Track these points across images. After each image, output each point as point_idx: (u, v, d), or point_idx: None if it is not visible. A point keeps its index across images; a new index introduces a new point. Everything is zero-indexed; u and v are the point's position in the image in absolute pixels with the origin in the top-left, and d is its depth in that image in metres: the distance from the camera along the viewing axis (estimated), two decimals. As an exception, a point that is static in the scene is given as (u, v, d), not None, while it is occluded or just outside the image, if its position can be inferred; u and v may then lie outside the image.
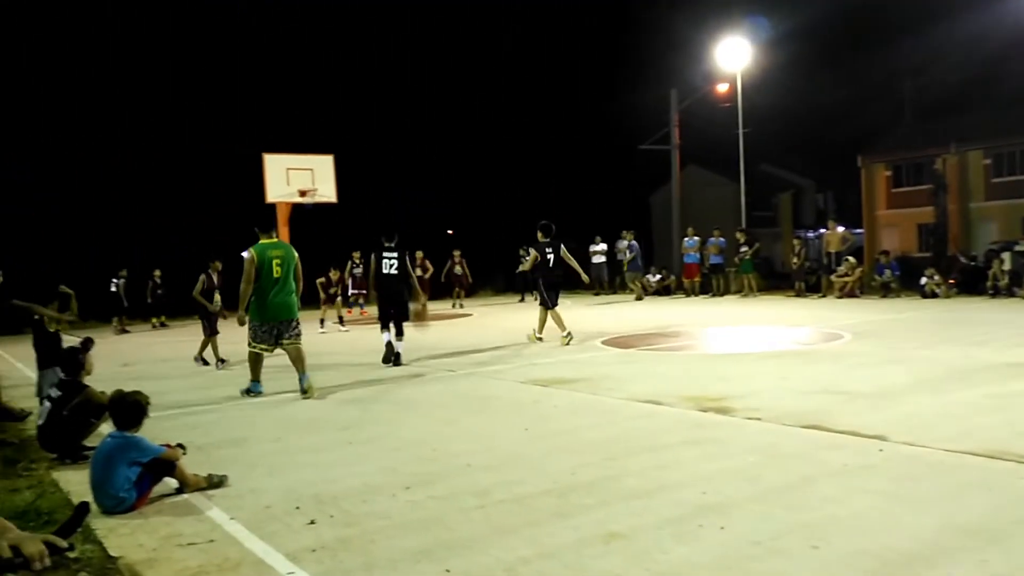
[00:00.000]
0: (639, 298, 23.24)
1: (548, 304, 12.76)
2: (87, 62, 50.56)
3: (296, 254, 9.02)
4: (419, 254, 23.55)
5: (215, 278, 12.62)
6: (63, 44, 51.83)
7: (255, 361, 8.94)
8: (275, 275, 8.66)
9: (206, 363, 12.01)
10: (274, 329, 8.81)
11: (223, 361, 11.84)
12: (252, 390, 8.89)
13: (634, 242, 24.18)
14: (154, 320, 21.56)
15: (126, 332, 20.10)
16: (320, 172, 25.06)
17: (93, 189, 42.30)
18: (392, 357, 10.81)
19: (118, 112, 47.95)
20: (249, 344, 8.92)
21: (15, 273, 10.42)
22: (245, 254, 8.77)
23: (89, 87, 48.53)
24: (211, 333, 12.15)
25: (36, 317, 8.27)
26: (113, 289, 20.67)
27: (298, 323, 8.94)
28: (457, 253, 25.17)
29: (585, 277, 13.21)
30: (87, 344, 6.79)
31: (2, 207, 35.72)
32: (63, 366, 6.57)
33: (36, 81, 48.13)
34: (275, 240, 9.08)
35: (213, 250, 13.69)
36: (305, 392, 8.57)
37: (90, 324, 19.64)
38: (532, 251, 12.88)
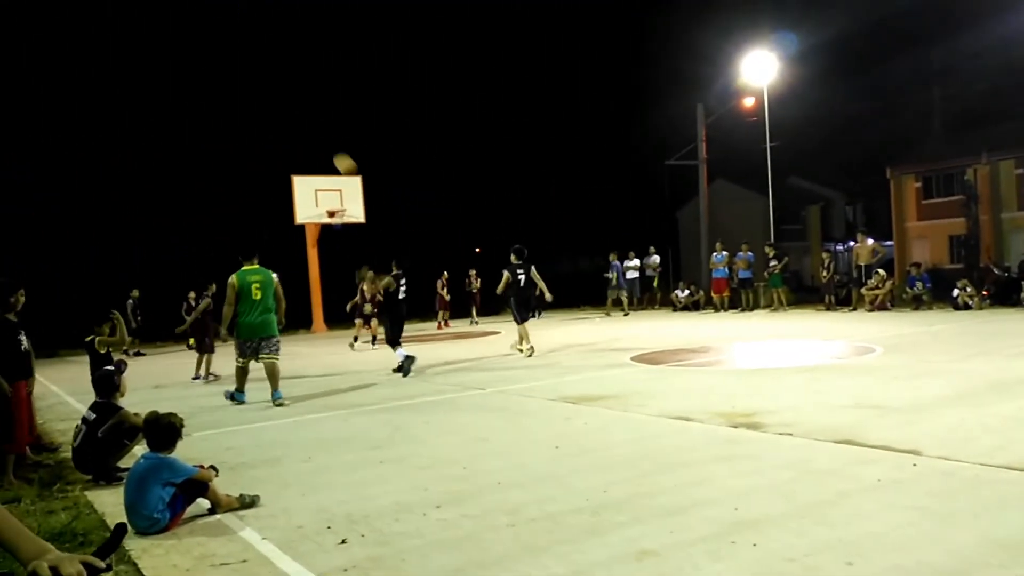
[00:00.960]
0: (626, 314, 24.01)
1: (518, 320, 14.07)
2: (103, 79, 51.47)
3: (275, 278, 10.10)
4: (445, 275, 23.84)
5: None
6: (82, 58, 52.83)
7: (240, 373, 10.03)
8: (255, 297, 9.76)
9: (211, 377, 12.82)
10: (256, 344, 9.84)
11: (215, 377, 12.82)
12: (236, 398, 10.01)
13: (616, 262, 24.71)
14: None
15: (141, 355, 19.87)
16: (348, 192, 25.42)
17: (114, 201, 42.94)
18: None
19: (136, 122, 48.77)
20: (236, 360, 10.07)
21: (13, 273, 10.94)
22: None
23: (105, 97, 49.38)
24: (208, 351, 13.08)
25: (88, 339, 8.40)
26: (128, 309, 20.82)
27: (278, 340, 9.98)
28: (473, 272, 25.37)
29: (549, 296, 14.01)
30: (120, 366, 6.89)
31: (3, 207, 36.28)
32: (97, 388, 6.66)
33: (45, 89, 49.01)
34: (255, 266, 9.99)
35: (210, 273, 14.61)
36: (276, 400, 9.68)
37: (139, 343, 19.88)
38: (505, 272, 13.94)
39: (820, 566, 3.58)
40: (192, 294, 20.08)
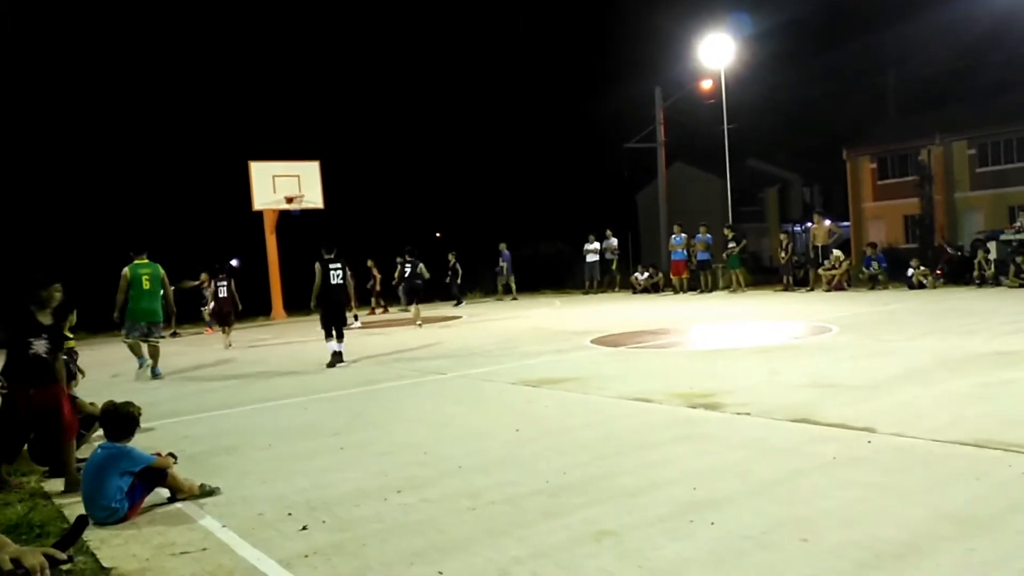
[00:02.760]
0: (514, 298, 25.78)
1: (405, 302, 18.14)
2: (64, 60, 50.31)
3: (162, 271, 11.61)
4: (370, 262, 23.61)
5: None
6: (45, 42, 51.55)
7: (134, 347, 11.44)
8: (144, 287, 11.25)
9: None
10: (144, 328, 11.35)
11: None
12: (141, 363, 11.32)
13: (506, 251, 26.12)
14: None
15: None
16: (307, 178, 25.11)
17: (64, 186, 42.05)
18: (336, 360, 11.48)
19: (98, 111, 47.69)
20: (124, 338, 11.52)
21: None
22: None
23: (66, 85, 48.22)
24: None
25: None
26: None
27: (160, 326, 11.72)
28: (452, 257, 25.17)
29: (427, 275, 18.62)
30: (73, 355, 6.77)
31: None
32: None
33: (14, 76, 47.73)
34: (145, 260, 11.45)
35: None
36: (155, 375, 11.29)
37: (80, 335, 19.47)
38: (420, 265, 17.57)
39: (776, 543, 3.64)
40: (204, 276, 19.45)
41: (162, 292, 11.74)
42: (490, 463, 5.47)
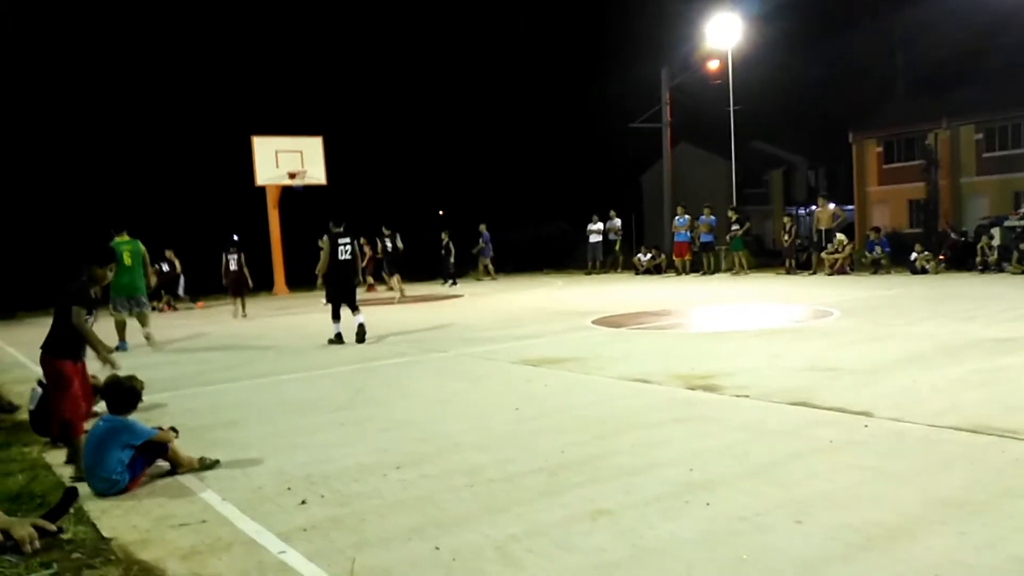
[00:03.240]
0: (493, 279, 26.38)
1: (389, 273, 20.06)
2: (61, 32, 50.07)
3: (143, 248, 12.25)
4: (362, 239, 23.63)
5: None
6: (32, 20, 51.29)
7: (119, 327, 11.93)
8: (126, 263, 11.76)
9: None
10: (128, 303, 11.97)
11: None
12: (120, 348, 11.25)
13: (486, 232, 26.42)
14: None
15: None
16: (309, 154, 25.10)
17: (63, 162, 41.92)
18: (356, 334, 11.18)
19: (98, 84, 47.48)
20: (111, 313, 11.80)
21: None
22: None
23: (63, 57, 47.97)
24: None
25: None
26: None
27: (145, 300, 12.29)
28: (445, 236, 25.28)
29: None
30: (122, 345, 6.81)
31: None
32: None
33: None
34: (126, 238, 12.12)
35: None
36: (148, 341, 11.80)
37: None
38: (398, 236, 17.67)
39: (770, 525, 3.67)
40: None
41: (143, 268, 12.41)
42: (489, 441, 5.51)
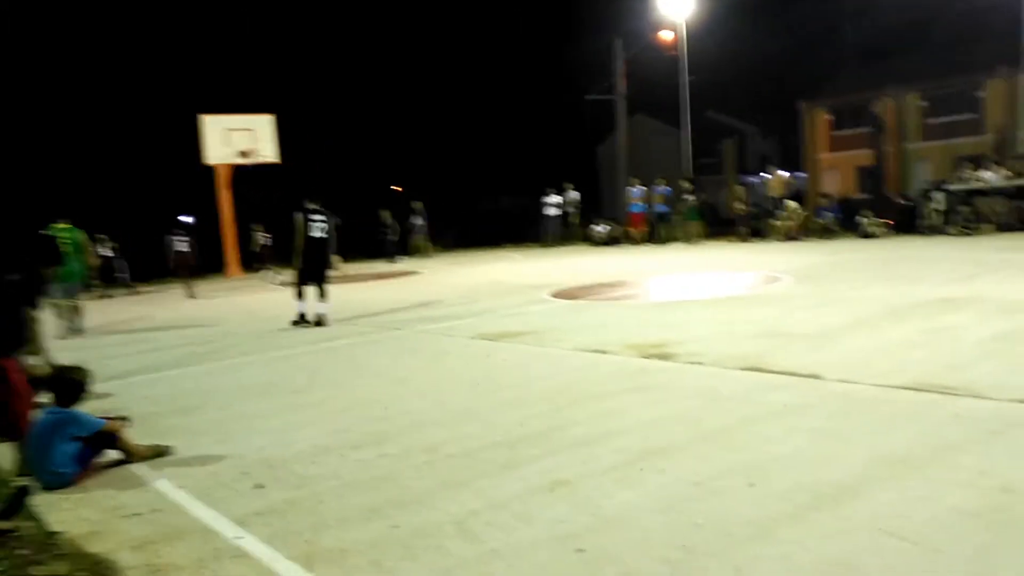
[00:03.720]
0: (429, 255, 26.15)
1: None
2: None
3: (83, 236, 12.64)
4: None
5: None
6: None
7: (56, 310, 11.93)
8: (63, 250, 11.41)
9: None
10: (64, 289, 11.84)
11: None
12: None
13: (423, 210, 26.96)
14: None
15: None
16: (261, 132, 24.70)
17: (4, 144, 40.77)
18: (314, 319, 10.89)
19: (37, 60, 46.16)
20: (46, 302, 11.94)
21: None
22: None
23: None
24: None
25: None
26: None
27: (79, 287, 12.46)
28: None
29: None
30: (76, 327, 6.66)
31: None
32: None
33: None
34: (66, 224, 12.32)
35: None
36: (76, 330, 11.98)
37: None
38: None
39: (724, 489, 3.74)
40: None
41: (82, 255, 12.66)
42: (448, 417, 5.52)
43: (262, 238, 23.99)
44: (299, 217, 10.88)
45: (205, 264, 23.14)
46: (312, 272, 10.99)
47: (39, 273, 5.56)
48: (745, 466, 4.02)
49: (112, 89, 44.96)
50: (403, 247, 26.04)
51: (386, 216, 25.15)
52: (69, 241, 12.07)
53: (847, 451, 4.12)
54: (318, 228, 10.86)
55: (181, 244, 18.11)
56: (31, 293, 5.40)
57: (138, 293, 20.52)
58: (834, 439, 4.34)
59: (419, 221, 26.60)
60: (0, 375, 5.30)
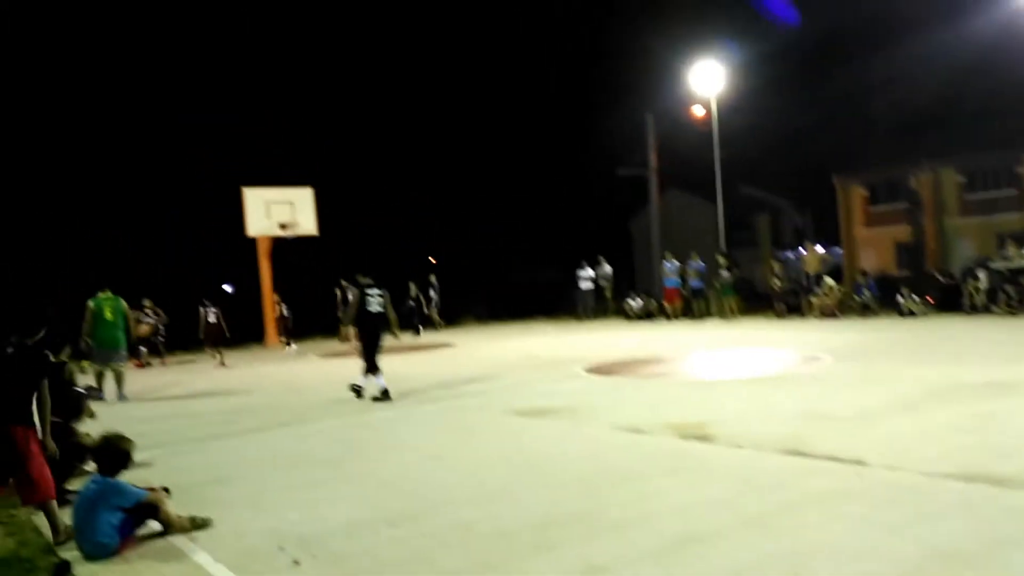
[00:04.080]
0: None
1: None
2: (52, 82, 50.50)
3: (125, 304, 12.99)
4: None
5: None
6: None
7: (98, 376, 12.62)
8: (107, 317, 12.50)
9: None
10: (107, 354, 12.47)
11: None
12: (97, 395, 11.63)
13: (436, 282, 26.00)
14: None
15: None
16: (300, 205, 25.21)
17: (53, 211, 42.01)
18: (383, 393, 10.47)
19: (88, 136, 47.77)
20: (91, 364, 12.67)
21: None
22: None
23: (55, 106, 48.27)
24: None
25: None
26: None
27: (124, 354, 13.01)
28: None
29: None
30: (91, 391, 6.80)
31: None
32: (62, 411, 6.56)
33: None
34: (109, 294, 12.74)
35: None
36: (121, 398, 12.13)
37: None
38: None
39: (766, 578, 3.66)
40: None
41: (124, 323, 13.01)
42: (482, 495, 5.48)
43: (280, 309, 23.93)
44: (355, 293, 10.91)
45: (246, 333, 23.43)
46: (375, 347, 10.76)
47: (51, 343, 5.62)
48: (787, 555, 3.93)
49: (161, 160, 46.36)
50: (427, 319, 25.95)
51: (412, 288, 25.24)
52: (112, 309, 12.64)
53: (893, 542, 4.01)
54: (375, 303, 10.76)
55: (211, 315, 18.52)
56: (42, 364, 5.43)
57: (165, 364, 20.18)
58: (879, 528, 4.23)
59: (433, 295, 26.33)
60: (10, 441, 5.22)
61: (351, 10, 73.94)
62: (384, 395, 10.41)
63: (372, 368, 10.71)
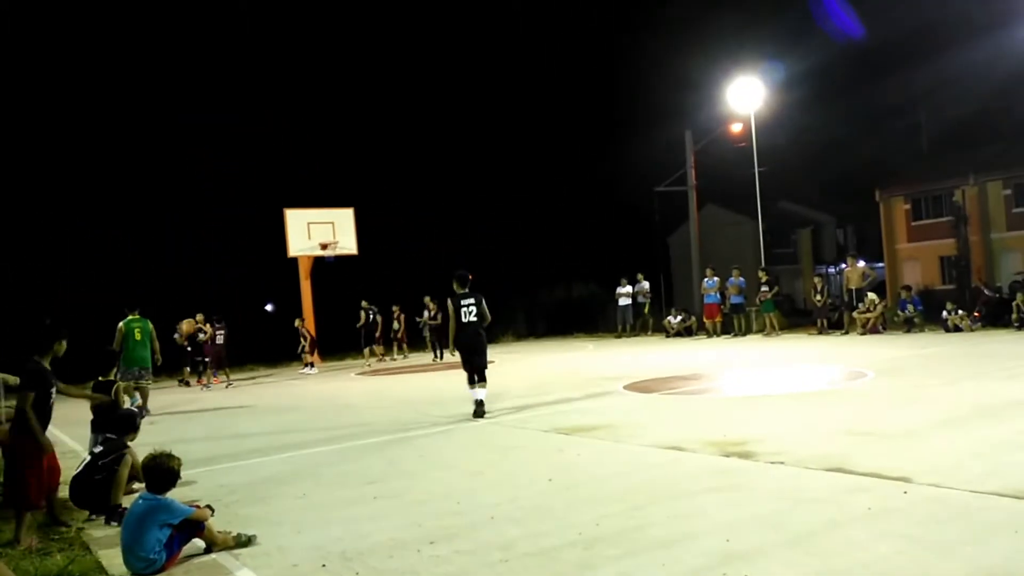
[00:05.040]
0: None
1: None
2: (98, 106, 51.70)
3: (151, 326, 13.71)
4: (395, 308, 23.59)
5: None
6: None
7: (129, 392, 12.48)
8: (136, 338, 13.40)
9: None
10: (136, 373, 13.22)
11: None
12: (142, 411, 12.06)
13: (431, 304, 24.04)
14: None
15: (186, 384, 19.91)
16: (341, 225, 25.55)
17: (98, 233, 42.94)
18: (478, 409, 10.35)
19: (134, 157, 48.87)
20: (121, 381, 12.37)
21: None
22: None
23: (102, 126, 49.42)
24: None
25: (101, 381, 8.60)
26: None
27: (149, 372, 13.65)
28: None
29: None
30: (143, 412, 7.01)
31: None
32: (116, 427, 6.79)
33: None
34: (136, 316, 13.61)
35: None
36: (143, 413, 11.95)
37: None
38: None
39: (811, 598, 3.62)
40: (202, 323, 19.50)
41: (150, 342, 13.75)
42: (523, 513, 5.49)
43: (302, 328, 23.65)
44: (450, 305, 10.71)
45: (284, 352, 23.73)
46: (467, 357, 10.59)
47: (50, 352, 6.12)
48: (832, 573, 3.89)
49: (205, 184, 47.23)
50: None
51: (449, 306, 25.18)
52: (140, 330, 13.54)
53: (941, 562, 3.94)
54: (469, 312, 10.51)
55: (220, 336, 18.57)
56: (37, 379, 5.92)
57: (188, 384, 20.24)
58: (926, 548, 4.16)
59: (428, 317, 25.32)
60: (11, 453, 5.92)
61: (397, 37, 74.93)
62: (478, 407, 10.26)
63: (471, 379, 10.54)
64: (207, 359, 19.14)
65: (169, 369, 19.75)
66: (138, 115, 54.49)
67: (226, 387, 18.24)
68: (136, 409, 7.08)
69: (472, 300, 10.55)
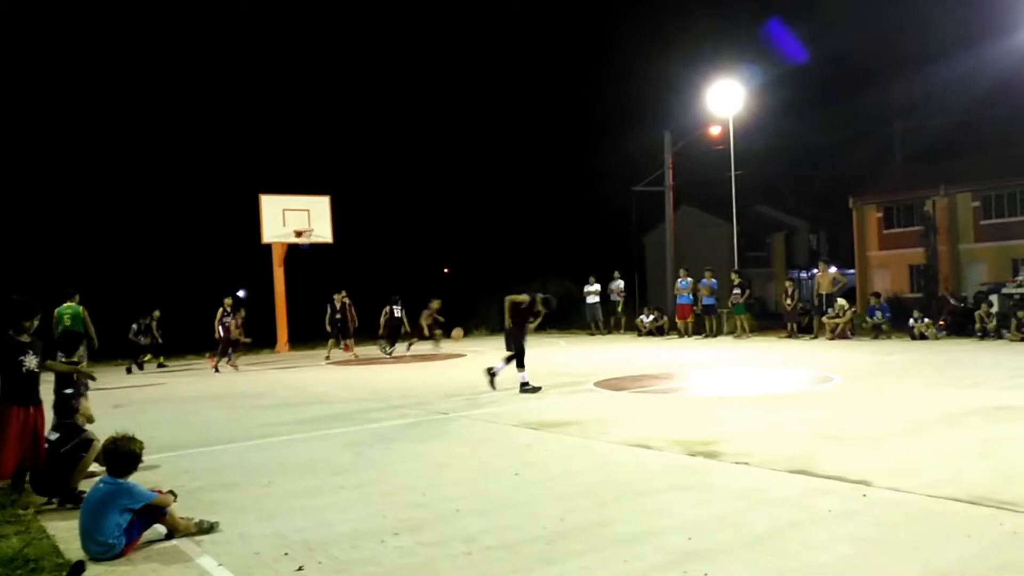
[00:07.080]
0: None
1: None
2: (72, 87, 51.02)
3: (83, 310, 14.97)
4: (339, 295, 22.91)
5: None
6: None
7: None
8: (66, 324, 14.30)
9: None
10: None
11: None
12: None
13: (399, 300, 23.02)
14: None
15: (164, 367, 20.26)
16: (316, 212, 25.39)
17: (67, 217, 42.42)
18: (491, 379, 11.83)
19: (106, 141, 48.24)
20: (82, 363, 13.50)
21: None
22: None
23: (73, 114, 48.77)
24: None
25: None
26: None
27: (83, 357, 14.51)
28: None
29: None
30: (80, 388, 6.84)
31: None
32: (57, 410, 6.63)
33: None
34: (70, 304, 14.95)
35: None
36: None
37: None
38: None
39: (768, 597, 3.66)
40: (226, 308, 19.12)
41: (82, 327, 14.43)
42: (489, 507, 5.50)
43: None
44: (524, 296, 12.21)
45: (257, 339, 23.43)
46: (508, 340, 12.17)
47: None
48: (791, 573, 3.94)
49: (180, 169, 46.75)
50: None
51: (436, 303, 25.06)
52: (70, 315, 14.82)
53: (896, 563, 4.01)
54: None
55: (228, 319, 18.60)
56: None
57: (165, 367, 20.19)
58: (882, 549, 4.22)
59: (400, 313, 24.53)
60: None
61: (379, 30, 74.57)
62: (527, 387, 11.62)
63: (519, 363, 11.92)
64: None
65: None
66: (111, 98, 53.77)
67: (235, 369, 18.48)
68: (72, 389, 6.89)
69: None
